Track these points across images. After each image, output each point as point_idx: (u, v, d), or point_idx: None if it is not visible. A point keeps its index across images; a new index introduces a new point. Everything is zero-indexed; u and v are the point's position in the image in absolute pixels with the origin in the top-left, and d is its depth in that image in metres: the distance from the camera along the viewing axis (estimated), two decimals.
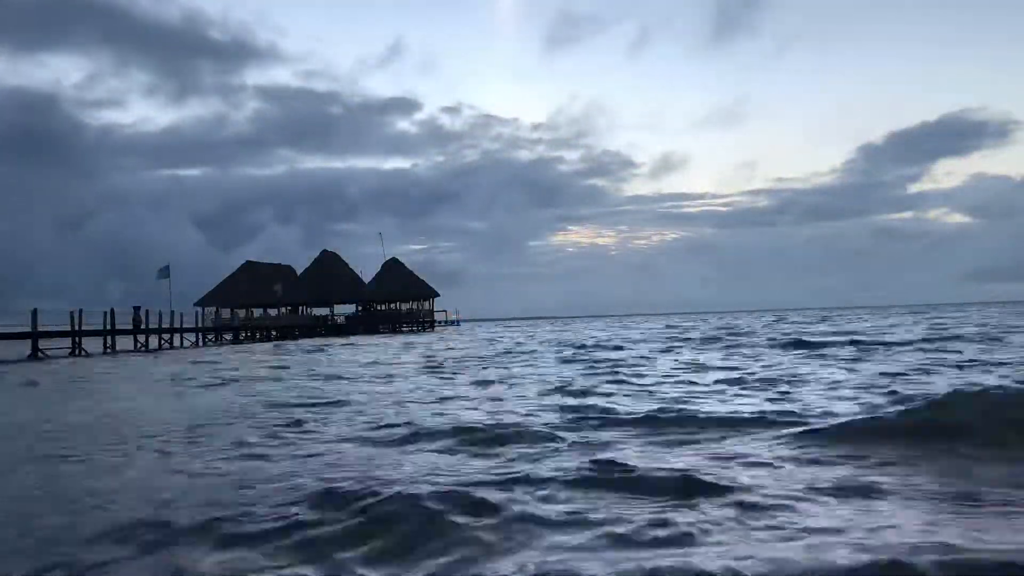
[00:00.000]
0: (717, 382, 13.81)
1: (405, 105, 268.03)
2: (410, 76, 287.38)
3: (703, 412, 9.57)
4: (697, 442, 7.48)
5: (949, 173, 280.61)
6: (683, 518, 4.60)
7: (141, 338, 46.09)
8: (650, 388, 13.11)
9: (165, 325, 49.35)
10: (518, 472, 6.05)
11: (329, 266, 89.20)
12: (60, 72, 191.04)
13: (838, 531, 4.26)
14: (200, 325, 58.71)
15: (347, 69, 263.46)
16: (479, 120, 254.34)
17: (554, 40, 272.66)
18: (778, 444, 7.09)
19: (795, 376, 14.56)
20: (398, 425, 9.34)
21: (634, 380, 14.68)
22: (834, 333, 33.76)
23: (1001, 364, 15.62)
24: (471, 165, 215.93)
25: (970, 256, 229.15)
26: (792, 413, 9.36)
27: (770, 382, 13.47)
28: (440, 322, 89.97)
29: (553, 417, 9.63)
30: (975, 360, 16.66)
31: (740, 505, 4.88)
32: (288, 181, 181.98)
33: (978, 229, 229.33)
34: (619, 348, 27.85)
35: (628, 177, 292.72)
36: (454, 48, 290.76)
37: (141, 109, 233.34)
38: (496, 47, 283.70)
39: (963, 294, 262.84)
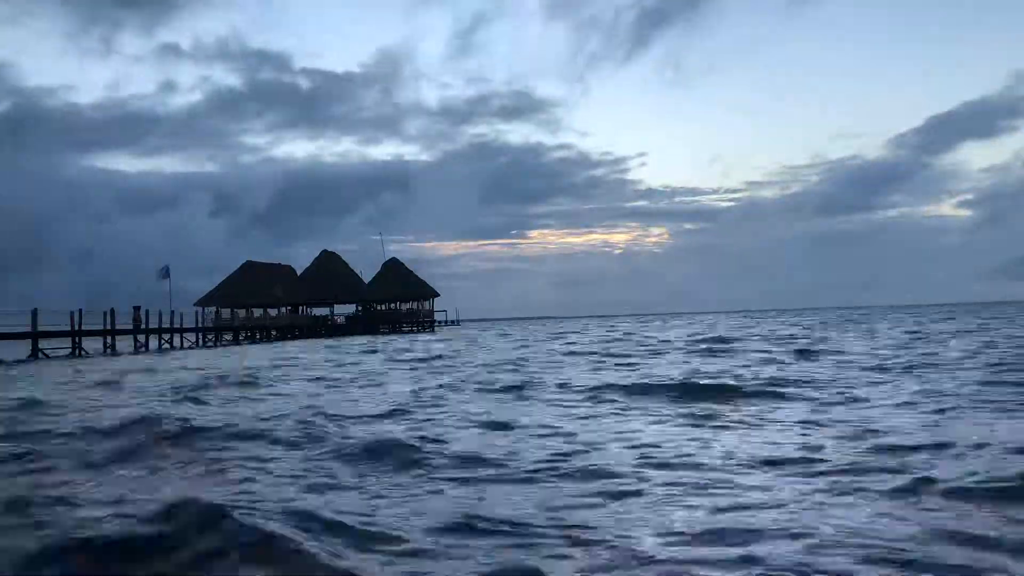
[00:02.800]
0: None
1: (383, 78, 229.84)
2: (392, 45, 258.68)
3: None
4: None
5: (972, 161, 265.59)
6: None
7: (141, 338, 46.04)
8: None
9: (165, 325, 49.30)
10: None
11: (329, 266, 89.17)
12: None
13: None
14: (200, 325, 58.63)
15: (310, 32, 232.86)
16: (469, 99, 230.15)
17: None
18: None
19: None
20: None
21: None
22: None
23: None
24: (461, 150, 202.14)
25: (1001, 250, 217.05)
26: None
27: None
28: (440, 322, 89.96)
29: None
30: None
31: None
32: (232, 168, 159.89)
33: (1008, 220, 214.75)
34: None
35: (633, 167, 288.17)
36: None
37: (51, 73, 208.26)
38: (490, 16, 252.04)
39: (987, 292, 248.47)
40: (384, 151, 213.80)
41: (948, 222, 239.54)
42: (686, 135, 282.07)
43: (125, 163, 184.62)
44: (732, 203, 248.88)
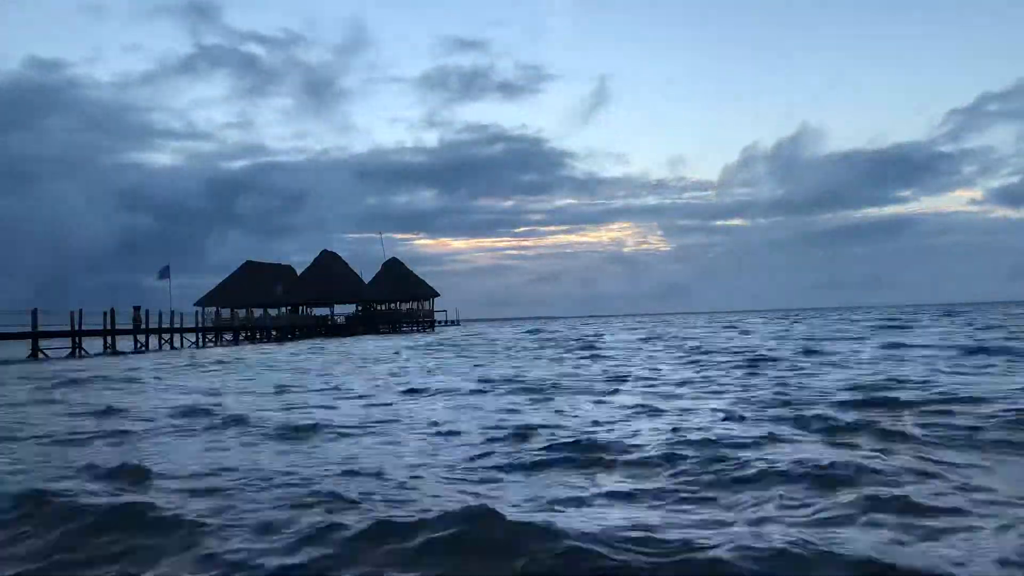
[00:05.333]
0: None
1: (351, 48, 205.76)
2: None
3: None
4: None
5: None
6: None
7: (141, 338, 46.16)
8: None
9: (165, 325, 49.43)
10: None
11: (329, 266, 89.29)
12: None
13: None
14: (200, 325, 58.77)
15: None
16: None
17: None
18: None
19: None
20: None
21: None
22: None
23: None
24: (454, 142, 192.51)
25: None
26: None
27: None
28: (440, 322, 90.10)
29: None
30: None
31: None
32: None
33: None
34: None
35: (628, 161, 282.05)
36: None
37: None
38: None
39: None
40: (358, 139, 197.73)
41: (974, 214, 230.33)
42: (687, 129, 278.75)
43: None
44: (738, 199, 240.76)
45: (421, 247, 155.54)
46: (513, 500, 5.84)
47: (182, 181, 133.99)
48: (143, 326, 46.64)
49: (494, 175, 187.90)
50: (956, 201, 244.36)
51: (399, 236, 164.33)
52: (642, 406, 11.23)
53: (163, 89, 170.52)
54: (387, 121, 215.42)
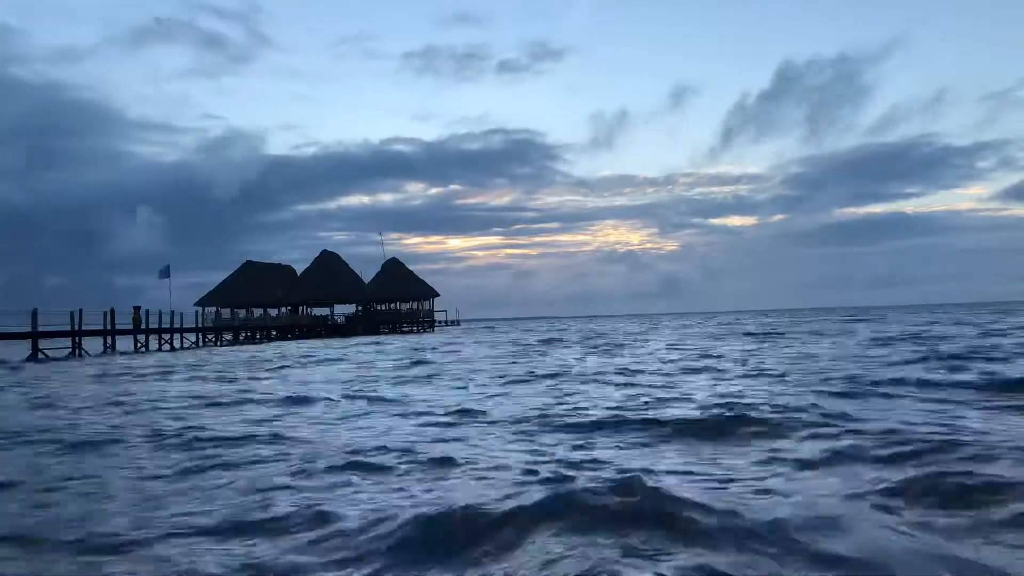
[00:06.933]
0: None
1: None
2: None
3: None
4: None
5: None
6: None
7: (141, 338, 46.01)
8: None
9: (165, 325, 49.26)
10: None
11: (329, 266, 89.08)
12: None
13: None
14: (200, 325, 58.60)
15: None
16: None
17: None
18: None
19: None
20: None
21: None
22: None
23: None
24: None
25: None
26: None
27: None
28: (440, 322, 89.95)
29: None
30: None
31: None
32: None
33: None
34: None
35: (635, 153, 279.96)
36: None
37: None
38: None
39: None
40: (342, 129, 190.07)
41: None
42: (684, 122, 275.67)
43: None
44: (746, 195, 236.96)
45: (412, 245, 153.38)
46: None
47: (145, 172, 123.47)
48: (143, 326, 46.49)
49: (491, 170, 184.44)
50: (971, 198, 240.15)
51: (393, 235, 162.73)
52: None
53: (113, 65, 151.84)
54: (376, 110, 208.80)
